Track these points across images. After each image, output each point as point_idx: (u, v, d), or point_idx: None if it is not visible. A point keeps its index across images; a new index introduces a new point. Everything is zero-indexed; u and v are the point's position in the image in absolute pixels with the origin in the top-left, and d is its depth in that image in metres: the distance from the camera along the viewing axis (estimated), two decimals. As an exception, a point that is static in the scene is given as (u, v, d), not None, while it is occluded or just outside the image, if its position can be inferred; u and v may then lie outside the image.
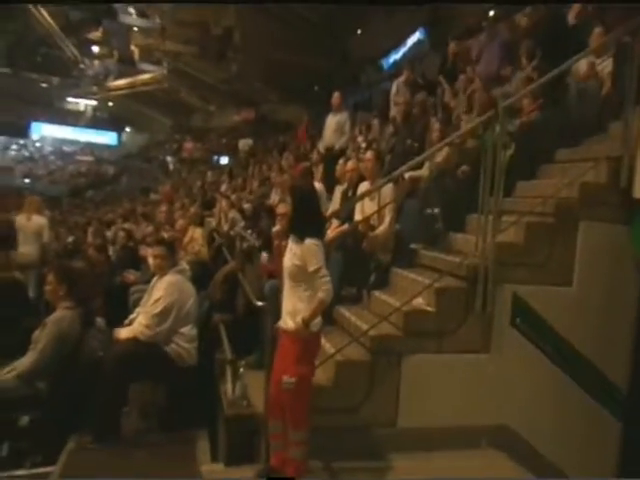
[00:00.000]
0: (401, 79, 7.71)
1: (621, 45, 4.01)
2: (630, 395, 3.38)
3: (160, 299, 3.64)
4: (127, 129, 31.65)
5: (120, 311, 4.68)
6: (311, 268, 2.59)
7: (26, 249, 6.72)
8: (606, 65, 4.53)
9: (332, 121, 7.42)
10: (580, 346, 3.34)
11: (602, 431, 3.40)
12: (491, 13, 7.95)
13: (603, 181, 3.55)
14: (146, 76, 24.49)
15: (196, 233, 6.31)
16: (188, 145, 22.79)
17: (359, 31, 15.60)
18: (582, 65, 4.44)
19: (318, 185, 5.96)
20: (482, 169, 3.51)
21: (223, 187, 11.32)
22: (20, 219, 7.02)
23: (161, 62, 23.05)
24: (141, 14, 20.26)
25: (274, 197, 7.05)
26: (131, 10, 20.21)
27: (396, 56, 14.11)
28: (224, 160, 17.94)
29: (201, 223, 7.47)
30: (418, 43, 13.33)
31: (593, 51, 4.42)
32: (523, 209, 3.60)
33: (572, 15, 5.61)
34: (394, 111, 7.41)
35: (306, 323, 2.58)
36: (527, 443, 3.13)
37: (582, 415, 3.36)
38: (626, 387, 3.38)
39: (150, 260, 4.20)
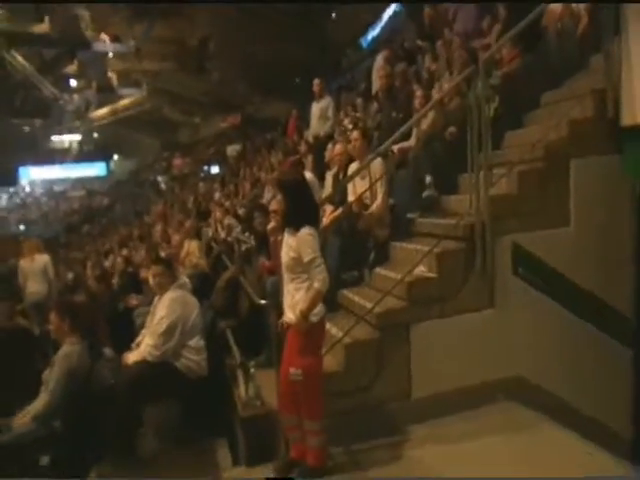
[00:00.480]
0: (379, 57, 7.76)
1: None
2: (637, 320, 3.45)
3: (164, 317, 3.70)
4: (115, 157, 32.03)
5: (127, 337, 4.78)
6: (306, 259, 2.65)
7: (35, 288, 7.15)
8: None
9: (316, 109, 7.51)
10: (584, 282, 3.40)
11: (613, 361, 3.45)
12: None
13: (590, 115, 3.58)
14: (127, 100, 24.87)
15: (192, 246, 6.41)
16: (177, 161, 23.08)
17: (334, 15, 15.70)
18: (556, 5, 4.46)
19: (309, 175, 6.04)
20: (468, 127, 3.57)
21: (216, 196, 11.44)
22: (24, 262, 7.43)
23: (140, 84, 23.40)
24: (114, 39, 20.57)
25: (267, 196, 7.14)
26: (104, 37, 20.56)
27: (374, 33, 14.14)
28: (215, 169, 18.14)
29: (198, 235, 7.59)
30: (394, 16, 13.33)
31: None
32: (513, 159, 3.64)
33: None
34: (376, 86, 7.45)
35: (304, 315, 2.64)
36: (542, 389, 3.19)
37: (592, 349, 3.42)
38: (632, 313, 3.44)
39: (150, 280, 4.29)
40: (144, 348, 3.74)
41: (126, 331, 5.04)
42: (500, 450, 2.67)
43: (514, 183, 3.50)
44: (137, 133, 27.75)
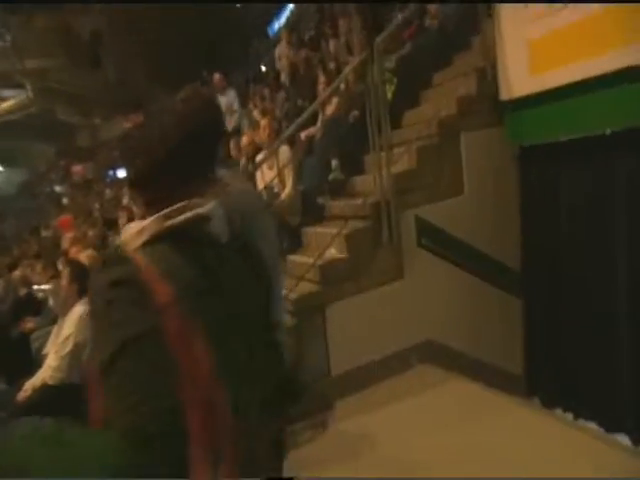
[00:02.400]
0: (281, 43, 7.94)
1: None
2: (523, 274, 3.90)
3: (70, 336, 3.50)
4: (0, 169, 29.76)
5: (23, 364, 4.55)
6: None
7: None
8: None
9: (221, 103, 7.55)
10: (480, 246, 3.77)
11: (507, 312, 3.87)
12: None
13: (474, 92, 3.95)
14: (9, 103, 23.05)
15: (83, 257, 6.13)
16: (77, 168, 21.85)
17: (238, 5, 15.66)
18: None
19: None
20: (367, 109, 3.80)
21: (124, 200, 11.07)
22: None
23: (23, 84, 21.82)
24: None
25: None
26: None
27: (280, 21, 14.28)
28: (121, 172, 17.43)
29: (104, 244, 7.34)
30: (299, 3, 13.54)
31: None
32: (411, 137, 3.93)
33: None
34: (283, 76, 7.63)
35: None
36: (450, 348, 3.52)
37: (490, 305, 3.81)
38: (519, 268, 3.90)
39: (51, 298, 4.06)
40: (45, 370, 3.54)
41: (22, 359, 4.79)
42: (418, 410, 2.89)
43: (413, 159, 3.77)
44: (24, 140, 25.87)
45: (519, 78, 3.69)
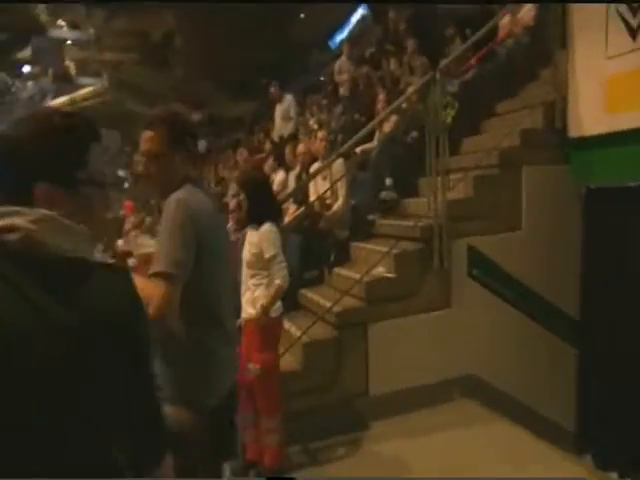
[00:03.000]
0: (342, 58, 7.83)
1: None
2: (582, 323, 3.61)
3: None
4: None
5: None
6: (267, 255, 2.65)
7: None
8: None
9: (278, 110, 7.57)
10: (534, 285, 3.52)
11: (560, 359, 3.59)
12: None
13: (540, 125, 3.75)
14: (86, 90, 23.99)
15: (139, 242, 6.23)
16: (139, 156, 22.52)
17: (302, 15, 15.68)
18: (505, 19, 4.64)
19: (281, 174, 6.04)
20: (426, 132, 3.65)
21: (180, 193, 11.28)
22: None
23: (100, 74, 22.70)
24: (73, 26, 19.91)
25: (230, 193, 7.07)
26: (61, 23, 19.82)
27: (342, 35, 14.19)
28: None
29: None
30: (362, 20, 13.44)
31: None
32: (470, 165, 3.74)
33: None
34: (342, 90, 7.52)
35: (265, 310, 2.65)
36: (495, 388, 3.28)
37: (541, 348, 3.54)
38: (576, 315, 3.61)
39: None
40: None
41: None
42: (455, 444, 2.72)
43: (470, 187, 3.61)
44: (97, 126, 27.00)
45: (592, 115, 3.45)
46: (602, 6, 3.30)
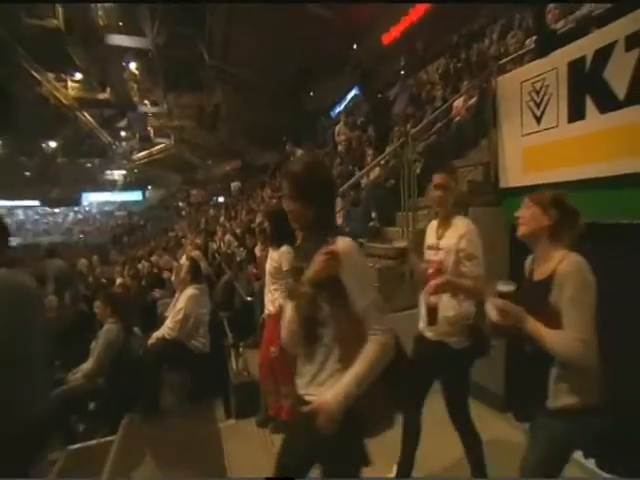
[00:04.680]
0: (340, 123, 7.96)
1: (481, 89, 4.29)
2: None
3: (182, 309, 3.62)
4: (149, 187, 31.77)
5: (151, 321, 4.67)
6: (284, 268, 2.67)
7: None
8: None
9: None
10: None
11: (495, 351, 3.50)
12: (402, 72, 8.32)
13: (481, 178, 3.78)
14: (159, 147, 24.75)
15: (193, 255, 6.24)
16: (194, 192, 22.73)
17: (311, 92, 15.97)
18: (459, 102, 4.71)
19: None
20: (401, 180, 3.69)
21: (221, 219, 11.33)
22: None
23: (169, 135, 23.31)
24: (153, 103, 20.71)
25: (258, 221, 7.14)
26: (146, 101, 20.76)
27: (340, 108, 14.39)
28: (221, 199, 17.95)
29: (206, 248, 7.48)
30: (355, 97, 13.64)
31: (464, 94, 4.71)
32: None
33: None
34: (340, 147, 7.62)
35: (282, 308, 2.66)
36: None
37: None
38: None
39: (173, 277, 4.17)
40: (164, 328, 3.66)
41: (151, 317, 4.93)
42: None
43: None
44: (165, 171, 27.56)
45: (514, 173, 3.50)
46: (518, 100, 3.39)
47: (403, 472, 2.08)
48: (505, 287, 1.42)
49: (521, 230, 1.54)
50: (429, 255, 2.08)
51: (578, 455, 2.48)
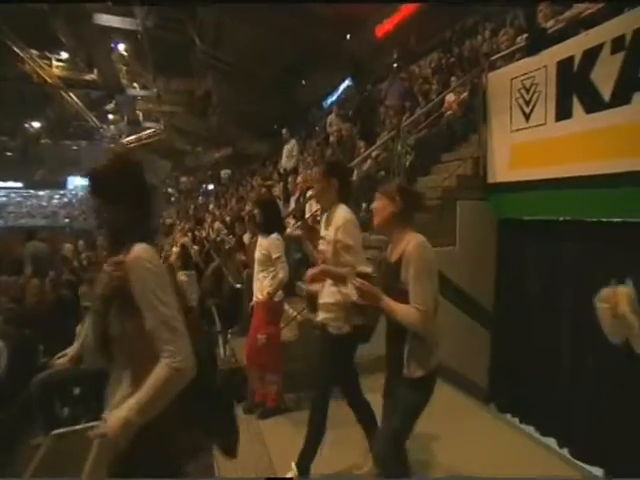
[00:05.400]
0: (332, 115, 7.88)
1: (472, 84, 4.28)
2: (494, 313, 3.66)
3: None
4: (137, 172, 31.34)
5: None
6: (274, 256, 2.65)
7: None
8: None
9: (285, 150, 7.51)
10: (463, 285, 3.55)
11: (479, 339, 3.63)
12: (394, 65, 8.25)
13: (469, 173, 3.80)
14: (149, 132, 24.25)
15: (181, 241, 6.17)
16: (183, 179, 22.43)
17: (304, 82, 15.73)
18: (450, 97, 4.70)
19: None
20: (392, 172, 3.68)
21: (210, 207, 11.18)
22: None
23: (159, 120, 22.83)
24: (143, 87, 20.20)
25: (248, 209, 7.06)
26: (135, 85, 20.18)
27: (332, 98, 14.25)
28: (210, 187, 17.74)
29: (194, 234, 7.38)
30: (347, 88, 13.51)
31: (454, 89, 4.70)
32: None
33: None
34: (331, 138, 7.56)
35: (270, 295, 2.64)
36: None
37: (467, 331, 3.58)
38: (491, 307, 3.65)
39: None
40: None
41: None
42: None
43: (421, 213, 3.62)
44: (155, 157, 27.01)
45: (501, 169, 3.53)
46: (508, 97, 3.42)
47: (302, 466, 2.04)
48: (363, 269, 1.55)
49: (375, 221, 1.66)
50: (321, 245, 2.12)
51: (553, 444, 2.57)
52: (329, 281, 2.00)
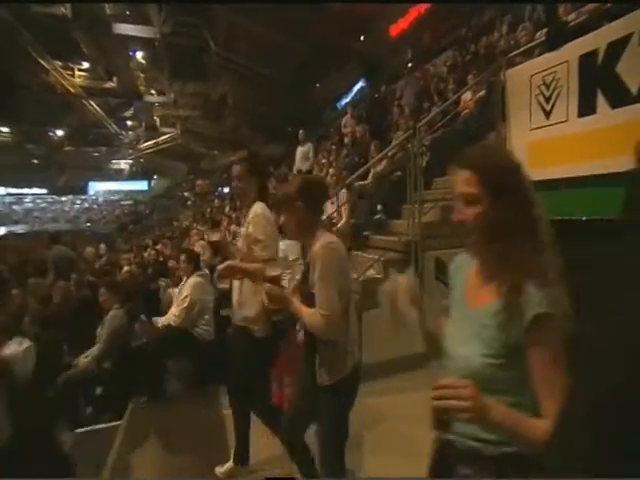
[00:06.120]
0: (347, 115, 7.86)
1: (490, 82, 4.19)
2: None
3: (187, 296, 3.60)
4: (155, 177, 31.82)
5: (155, 308, 4.67)
6: (291, 258, 2.69)
7: None
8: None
9: (300, 151, 7.55)
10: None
11: None
12: (409, 64, 8.18)
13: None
14: (165, 136, 24.72)
15: (198, 245, 6.22)
16: (199, 182, 22.75)
17: (318, 84, 15.78)
18: (466, 95, 4.62)
19: None
20: (408, 172, 3.64)
21: (226, 209, 11.29)
22: None
23: (175, 125, 23.25)
24: (159, 93, 20.63)
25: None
26: (152, 91, 20.61)
27: (346, 99, 14.23)
28: (226, 190, 17.95)
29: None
30: (361, 89, 13.48)
31: (471, 87, 4.62)
32: (438, 197, 3.73)
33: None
34: (346, 139, 7.54)
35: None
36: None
37: None
38: None
39: (179, 266, 4.17)
40: (170, 316, 3.66)
41: (155, 304, 4.93)
42: (426, 401, 2.66)
43: (438, 214, 3.59)
44: (171, 161, 27.52)
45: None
46: (527, 94, 3.32)
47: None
48: (271, 271, 1.51)
49: (288, 236, 1.71)
50: (239, 243, 2.15)
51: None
52: (247, 282, 1.98)
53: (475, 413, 0.77)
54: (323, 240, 1.47)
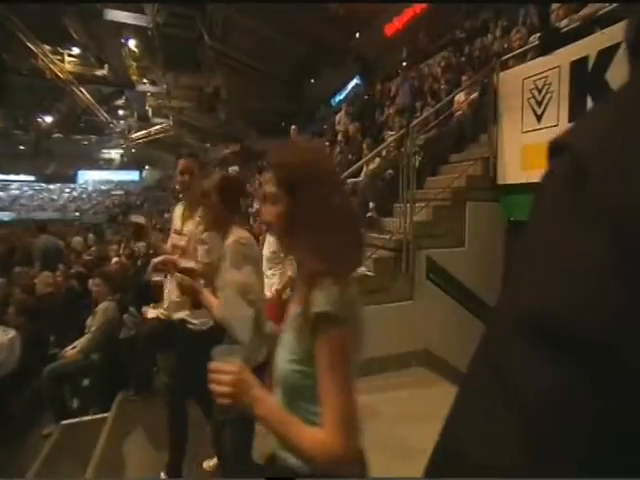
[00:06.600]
0: (341, 112, 7.82)
1: (483, 84, 4.21)
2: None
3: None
4: (146, 168, 31.29)
5: (146, 301, 4.61)
6: (282, 254, 2.64)
7: None
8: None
9: (295, 147, 7.48)
10: (471, 286, 3.52)
11: None
12: (403, 64, 8.16)
13: (479, 173, 3.75)
14: (158, 127, 24.28)
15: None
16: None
17: (312, 80, 15.66)
18: (460, 96, 4.63)
19: None
20: (400, 171, 3.64)
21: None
22: None
23: (168, 116, 22.86)
24: (152, 83, 20.19)
25: (256, 206, 7.06)
26: (145, 80, 20.17)
27: (340, 97, 14.16)
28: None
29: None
30: (356, 86, 13.42)
31: (465, 88, 4.62)
32: (430, 197, 3.74)
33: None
34: (339, 136, 7.50)
35: (279, 293, 2.61)
36: (442, 359, 3.26)
37: (472, 330, 3.42)
38: None
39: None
40: (159, 309, 3.60)
41: (146, 297, 4.87)
42: (411, 399, 2.69)
43: (430, 214, 3.59)
44: (163, 152, 27.09)
45: (512, 170, 3.49)
46: (519, 97, 3.35)
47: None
48: (186, 264, 1.56)
49: (205, 227, 1.74)
50: (174, 239, 2.11)
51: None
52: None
53: (235, 401, 0.73)
54: (234, 235, 1.52)
